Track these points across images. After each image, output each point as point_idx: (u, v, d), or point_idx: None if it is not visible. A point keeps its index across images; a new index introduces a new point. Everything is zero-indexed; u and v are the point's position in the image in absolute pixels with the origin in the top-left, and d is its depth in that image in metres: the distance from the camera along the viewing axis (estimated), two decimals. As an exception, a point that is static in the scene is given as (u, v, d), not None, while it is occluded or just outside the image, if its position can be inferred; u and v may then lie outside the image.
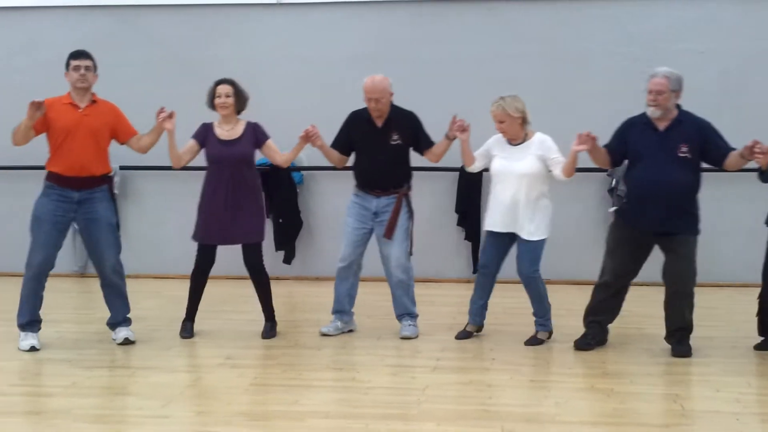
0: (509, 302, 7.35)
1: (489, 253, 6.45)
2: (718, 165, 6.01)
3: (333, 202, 8.72)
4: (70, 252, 8.97)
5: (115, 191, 9.04)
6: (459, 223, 8.84)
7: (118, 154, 8.61)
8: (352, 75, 8.68)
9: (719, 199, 8.24)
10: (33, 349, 6.22)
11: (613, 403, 5.12)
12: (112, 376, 5.76)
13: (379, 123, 6.54)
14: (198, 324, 6.83)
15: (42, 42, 9.13)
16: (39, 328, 6.38)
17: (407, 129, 6.55)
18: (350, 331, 6.80)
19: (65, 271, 8.99)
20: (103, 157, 6.35)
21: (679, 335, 6.08)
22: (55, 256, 6.28)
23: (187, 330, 6.66)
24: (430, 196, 8.61)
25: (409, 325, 6.62)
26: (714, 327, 6.68)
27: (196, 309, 6.73)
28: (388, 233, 6.46)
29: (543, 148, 6.22)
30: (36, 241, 6.21)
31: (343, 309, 6.73)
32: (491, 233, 6.41)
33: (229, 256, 8.87)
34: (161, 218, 9.18)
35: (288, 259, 8.86)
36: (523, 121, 6.21)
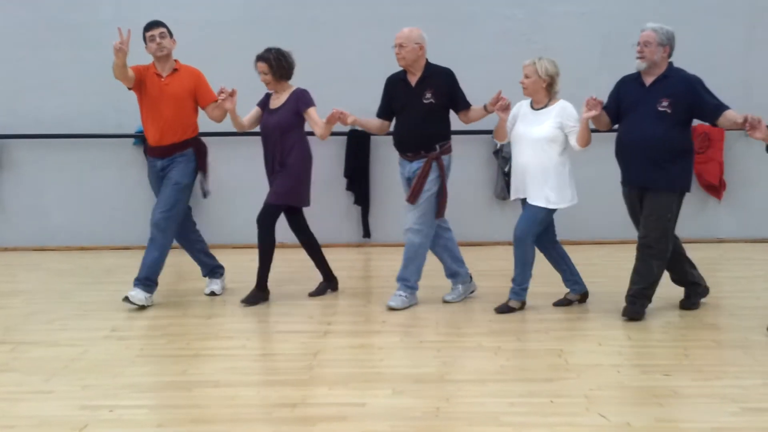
0: (392, 265, 7.39)
1: (518, 223, 6.20)
2: (710, 122, 5.98)
3: (229, 169, 8.56)
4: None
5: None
6: (348, 188, 8.82)
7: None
8: (233, 37, 8.58)
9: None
10: (213, 294, 6.79)
11: (499, 360, 5.22)
12: (-9, 353, 5.56)
13: (413, 81, 6.34)
14: (81, 297, 6.65)
15: None
16: (221, 274, 6.99)
17: (442, 87, 6.31)
18: (472, 292, 6.72)
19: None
20: (188, 123, 6.53)
21: (635, 290, 6.01)
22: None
23: (257, 297, 6.61)
24: (320, 161, 8.53)
25: (399, 295, 6.39)
26: (594, 283, 6.86)
27: (266, 276, 6.61)
28: (412, 198, 6.26)
29: (563, 115, 6.04)
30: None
31: (450, 273, 6.61)
32: (520, 202, 6.28)
33: (111, 225, 8.73)
34: (40, 188, 8.86)
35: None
36: (549, 86, 6.06)
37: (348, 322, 6.13)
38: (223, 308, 6.49)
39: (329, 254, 7.03)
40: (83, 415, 4.48)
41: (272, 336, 5.84)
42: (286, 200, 6.53)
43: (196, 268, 7.28)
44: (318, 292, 6.82)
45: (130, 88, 6.50)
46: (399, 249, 7.17)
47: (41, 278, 7.57)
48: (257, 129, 6.73)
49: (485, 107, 6.27)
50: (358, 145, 8.66)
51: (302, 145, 6.57)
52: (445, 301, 6.53)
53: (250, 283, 6.68)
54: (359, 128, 6.98)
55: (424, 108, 6.29)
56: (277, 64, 6.48)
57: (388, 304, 6.36)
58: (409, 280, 6.42)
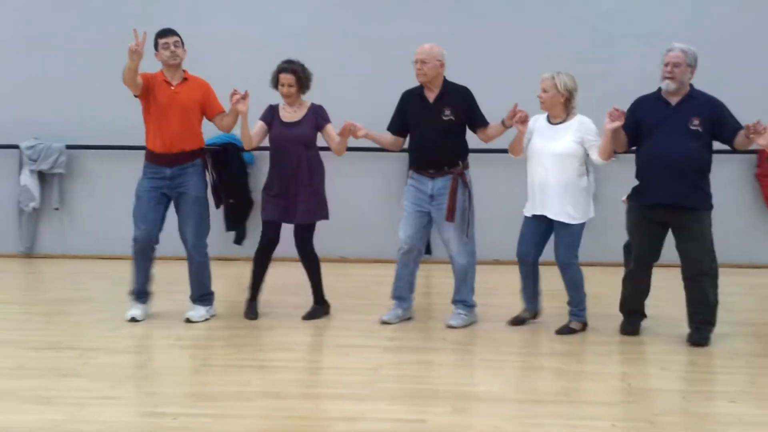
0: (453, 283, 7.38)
1: (524, 239, 6.25)
2: (729, 143, 5.92)
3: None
4: (15, 232, 8.82)
5: (59, 170, 8.92)
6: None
7: (65, 134, 8.52)
8: (298, 50, 8.66)
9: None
10: (133, 320, 6.43)
11: (561, 381, 5.19)
12: (59, 358, 5.67)
13: (431, 98, 6.36)
14: (148, 305, 6.77)
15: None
16: (147, 300, 6.62)
17: (460, 104, 6.33)
18: (409, 319, 6.59)
19: (10, 252, 8.84)
20: (195, 133, 6.51)
21: (699, 319, 5.92)
22: (155, 230, 6.49)
23: (252, 310, 6.64)
24: (380, 175, 8.59)
25: (459, 314, 6.38)
26: (658, 306, 6.78)
27: (260, 288, 6.70)
28: (449, 215, 6.21)
29: (582, 130, 6.05)
30: (136, 218, 6.49)
31: (402, 295, 6.56)
32: (527, 218, 6.23)
33: (177, 236, 8.86)
34: (108, 198, 9.04)
35: (239, 240, 8.81)
36: (567, 100, 6.07)
37: (408, 338, 6.14)
38: (286, 321, 6.53)
39: (389, 269, 7.04)
40: (148, 422, 4.57)
41: (333, 350, 5.87)
42: (318, 217, 6.56)
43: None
44: (311, 316, 6.62)
45: (136, 96, 6.44)
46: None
47: (108, 286, 7.72)
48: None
49: (503, 122, 6.22)
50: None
51: (321, 160, 6.61)
52: (383, 322, 6.44)
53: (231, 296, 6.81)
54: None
55: (444, 124, 6.29)
56: (304, 76, 6.50)
57: (448, 323, 6.35)
58: (465, 300, 6.43)
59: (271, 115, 6.59)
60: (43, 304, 7.01)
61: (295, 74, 6.43)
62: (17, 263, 8.74)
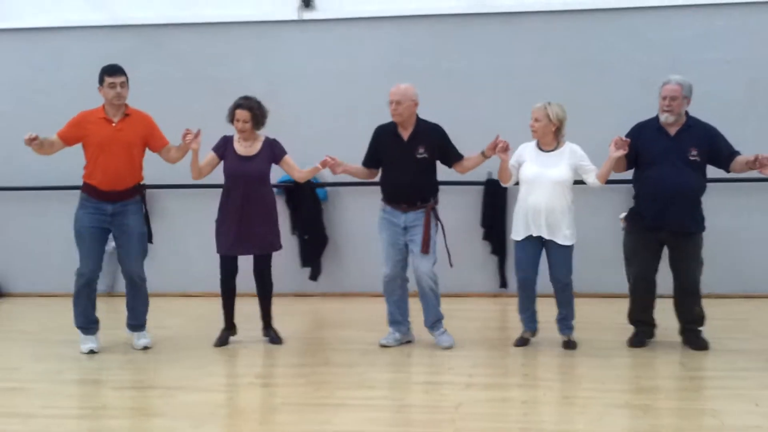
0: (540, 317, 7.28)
1: (524, 264, 6.48)
2: (725, 168, 6.34)
3: (358, 217, 8.69)
4: (96, 271, 8.97)
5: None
6: (485, 238, 8.76)
7: (144, 174, 8.62)
8: (374, 89, 8.70)
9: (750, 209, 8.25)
10: (92, 352, 6.63)
11: (649, 419, 5.05)
12: (141, 397, 5.74)
13: (405, 136, 6.54)
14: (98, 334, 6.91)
15: (66, 62, 9.14)
16: (97, 330, 6.81)
17: (434, 142, 6.54)
18: (408, 342, 6.80)
19: (91, 291, 8.98)
20: (136, 169, 6.62)
21: (691, 329, 6.42)
22: (100, 263, 6.64)
23: (223, 339, 6.86)
24: (455, 210, 8.54)
25: (443, 333, 6.65)
26: (746, 339, 6.59)
27: (232, 317, 6.91)
28: (425, 248, 6.46)
29: (576, 157, 6.37)
30: (81, 253, 6.56)
31: (396, 320, 6.76)
32: (521, 243, 6.45)
33: (248, 273, 8.90)
34: (185, 237, 9.16)
35: (314, 276, 8.82)
36: (558, 129, 6.36)
37: (488, 374, 6.05)
38: (364, 357, 6.49)
39: (465, 304, 7.00)
40: (232, 462, 4.57)
41: (413, 387, 5.82)
42: (276, 248, 6.79)
43: (336, 316, 7.41)
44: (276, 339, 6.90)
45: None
46: (537, 300, 7.07)
47: (186, 323, 7.79)
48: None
49: (483, 153, 6.48)
50: (494, 195, 8.60)
51: (273, 193, 6.83)
52: (382, 345, 6.69)
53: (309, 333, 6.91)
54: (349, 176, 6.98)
55: (417, 162, 6.49)
56: (260, 113, 6.64)
57: (444, 345, 6.59)
58: (440, 318, 6.68)
59: (224, 147, 6.71)
60: (124, 343, 7.08)
61: (251, 110, 6.60)
62: (99, 302, 8.84)
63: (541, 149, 6.43)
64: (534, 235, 6.37)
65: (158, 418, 5.31)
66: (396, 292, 6.69)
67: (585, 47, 8.67)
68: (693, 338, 6.42)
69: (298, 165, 6.86)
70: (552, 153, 6.38)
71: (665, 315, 6.66)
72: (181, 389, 5.86)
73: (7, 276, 9.30)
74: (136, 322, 6.85)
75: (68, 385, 5.99)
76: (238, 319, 7.03)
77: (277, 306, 8.24)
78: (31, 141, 6.19)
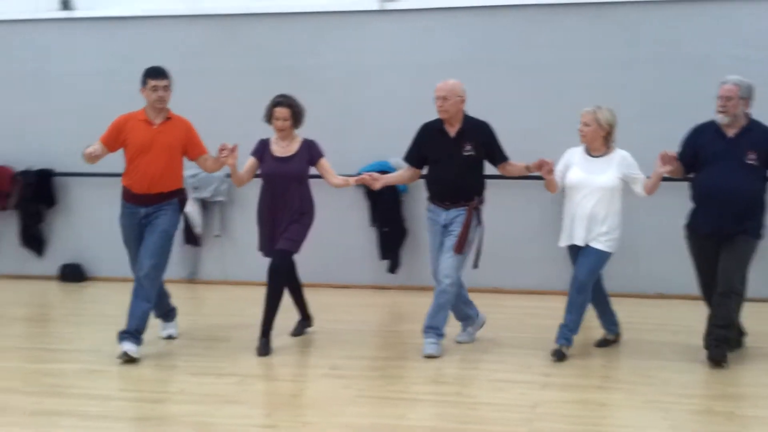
0: (622, 316, 7.10)
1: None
2: None
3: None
4: (178, 259, 9.10)
5: (220, 197, 9.14)
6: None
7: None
8: (457, 78, 8.61)
9: None
10: (170, 337, 6.74)
11: (733, 427, 4.87)
12: (219, 384, 5.77)
13: (452, 133, 6.38)
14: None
15: (142, 51, 9.20)
16: (175, 316, 6.89)
17: (480, 140, 6.37)
18: (483, 325, 6.76)
19: (174, 278, 9.11)
20: (176, 173, 6.42)
21: (717, 335, 5.95)
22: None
23: (298, 330, 6.83)
24: (534, 204, 8.39)
25: (432, 343, 6.30)
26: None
27: (304, 308, 6.89)
28: (459, 248, 6.26)
29: (625, 165, 6.17)
30: (131, 257, 6.46)
31: (463, 316, 6.67)
32: (572, 248, 6.26)
33: (332, 264, 8.90)
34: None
35: (393, 269, 8.78)
36: (608, 134, 6.17)
37: (567, 374, 5.91)
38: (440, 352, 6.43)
39: (541, 302, 6.86)
40: (303, 452, 4.56)
41: (488, 384, 5.72)
42: (297, 247, 6.54)
43: (414, 310, 7.33)
44: (299, 332, 6.86)
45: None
46: (629, 299, 6.96)
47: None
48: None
49: (527, 167, 6.31)
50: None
51: (311, 195, 6.65)
52: (459, 342, 6.57)
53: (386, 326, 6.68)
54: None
55: (464, 160, 6.33)
56: (299, 111, 6.50)
57: (426, 353, 6.24)
58: (440, 327, 6.34)
59: (262, 150, 6.58)
60: (205, 329, 7.17)
61: (290, 108, 6.46)
62: (180, 289, 8.96)
63: (589, 155, 6.21)
64: (576, 244, 6.18)
65: (233, 405, 5.34)
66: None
67: (679, 40, 8.37)
68: (713, 347, 5.96)
69: (376, 157, 6.80)
70: (600, 159, 6.16)
71: (757, 320, 6.42)
72: (257, 377, 5.91)
73: (92, 260, 9.48)
74: (127, 327, 6.23)
75: (146, 369, 6.06)
76: (316, 309, 7.04)
77: (355, 298, 8.32)
78: (91, 157, 6.14)
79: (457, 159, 6.33)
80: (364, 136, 8.79)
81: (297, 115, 6.50)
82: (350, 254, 8.91)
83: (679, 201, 6.45)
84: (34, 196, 9.30)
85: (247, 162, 6.60)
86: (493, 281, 8.40)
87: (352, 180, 6.56)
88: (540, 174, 6.24)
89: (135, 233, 6.34)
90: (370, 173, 6.49)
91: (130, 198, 6.33)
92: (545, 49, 8.58)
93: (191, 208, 9.11)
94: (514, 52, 8.62)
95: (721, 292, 5.95)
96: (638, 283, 8.14)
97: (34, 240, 9.43)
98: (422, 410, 5.20)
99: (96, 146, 6.23)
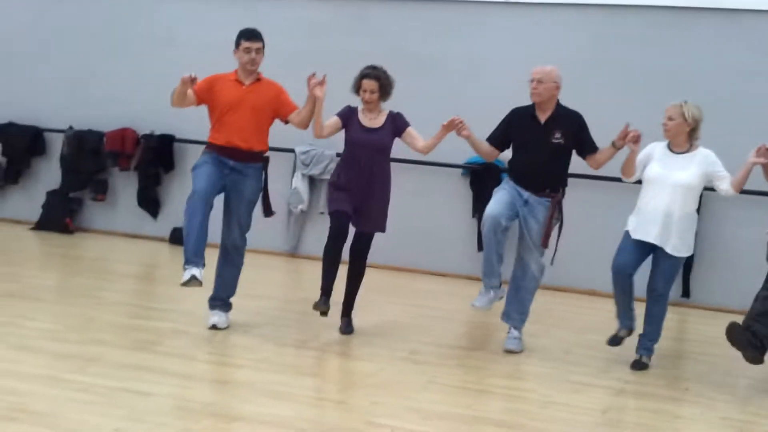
0: (714, 330, 6.91)
1: (627, 257, 6.01)
2: None
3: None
4: (283, 231, 9.34)
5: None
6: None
7: (337, 143, 8.87)
8: (574, 77, 8.44)
9: None
10: (193, 278, 6.00)
11: (809, 454, 4.70)
12: (300, 356, 5.95)
13: (543, 119, 6.26)
14: (388, 315, 6.94)
15: (269, 28, 9.28)
16: (203, 265, 6.10)
17: (571, 129, 6.22)
18: (501, 298, 6.46)
19: (277, 249, 9.37)
20: (262, 134, 6.40)
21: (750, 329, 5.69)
22: (213, 193, 6.19)
23: (324, 303, 6.43)
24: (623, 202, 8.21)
25: (515, 338, 6.30)
26: None
27: (332, 285, 6.48)
28: (545, 241, 6.18)
29: (708, 163, 5.95)
30: (195, 179, 6.22)
31: (491, 271, 6.33)
32: (634, 240, 6.01)
33: (430, 252, 8.95)
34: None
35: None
36: (693, 131, 5.95)
37: (647, 383, 5.81)
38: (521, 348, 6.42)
39: (640, 308, 6.70)
40: (366, 430, 4.65)
41: (563, 384, 5.67)
42: (381, 228, 6.48)
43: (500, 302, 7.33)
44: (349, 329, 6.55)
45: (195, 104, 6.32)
46: (720, 314, 6.75)
47: (360, 291, 7.94)
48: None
49: (613, 143, 6.09)
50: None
51: (390, 171, 6.53)
52: (474, 306, 6.37)
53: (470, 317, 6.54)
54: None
55: (552, 147, 6.20)
56: (387, 83, 6.39)
57: (507, 348, 6.24)
58: (525, 315, 6.32)
59: (349, 116, 6.48)
60: (298, 302, 7.34)
61: (378, 80, 6.36)
62: (282, 261, 9.26)
63: (671, 150, 6.00)
64: (644, 240, 5.94)
65: (309, 377, 5.52)
66: (497, 237, 6.19)
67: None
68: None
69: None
70: (682, 155, 5.96)
71: None
72: (337, 354, 6.06)
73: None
74: (217, 294, 6.39)
75: (234, 335, 6.26)
76: (409, 295, 7.09)
77: (449, 286, 8.38)
78: (191, 80, 6.06)
79: (544, 146, 6.20)
80: (476, 126, 8.74)
81: (385, 88, 6.44)
82: (449, 243, 8.95)
83: None
84: (154, 159, 9.72)
85: (330, 119, 6.49)
86: (588, 283, 8.30)
87: (439, 133, 6.35)
88: (627, 145, 6.01)
89: (213, 170, 6.19)
90: (460, 119, 6.29)
91: (217, 150, 6.28)
92: (667, 54, 8.35)
93: (299, 184, 9.34)
94: (636, 54, 8.42)
95: None
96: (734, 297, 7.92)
97: (150, 202, 9.85)
98: (492, 403, 5.23)
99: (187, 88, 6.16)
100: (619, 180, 6.37)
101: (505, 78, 8.76)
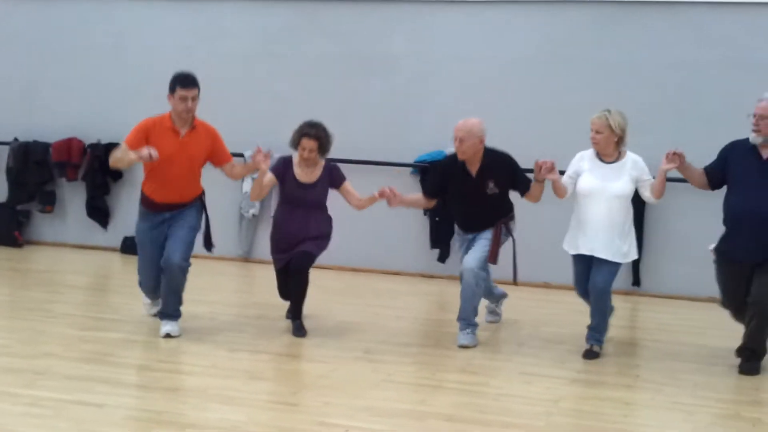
0: (664, 317, 7.01)
1: (582, 282, 6.17)
2: None
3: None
4: (235, 236, 9.29)
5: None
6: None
7: (285, 146, 8.87)
8: (524, 76, 8.56)
9: None
10: (168, 336, 6.26)
11: (757, 433, 4.78)
12: (253, 361, 5.92)
13: (473, 171, 6.27)
14: (344, 315, 6.95)
15: (222, 33, 9.40)
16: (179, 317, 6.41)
17: (503, 175, 6.27)
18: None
19: (230, 255, 9.31)
20: (197, 181, 6.38)
21: (748, 354, 5.84)
22: (160, 256, 6.28)
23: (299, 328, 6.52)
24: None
25: (468, 333, 6.32)
26: None
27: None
28: (492, 259, 6.27)
29: (637, 169, 6.00)
30: (141, 263, 6.44)
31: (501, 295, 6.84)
32: (579, 257, 6.12)
33: (383, 251, 8.97)
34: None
35: (442, 258, 8.80)
36: (620, 139, 5.97)
37: (598, 372, 5.87)
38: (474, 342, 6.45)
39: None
40: (318, 430, 4.65)
41: (516, 376, 5.71)
42: (316, 253, 6.53)
43: (458, 299, 7.36)
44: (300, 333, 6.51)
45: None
46: (670, 301, 6.82)
47: (315, 294, 7.87)
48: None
49: (536, 179, 6.16)
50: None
51: (329, 216, 6.62)
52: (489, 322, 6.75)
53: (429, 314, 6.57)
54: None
55: (487, 197, 6.29)
56: (326, 141, 6.39)
57: (461, 343, 6.26)
58: (472, 318, 6.35)
59: (283, 171, 6.46)
60: (252, 307, 7.32)
61: (318, 140, 6.32)
62: (235, 266, 9.20)
63: (601, 160, 6.02)
64: (584, 253, 6.04)
65: (260, 381, 5.49)
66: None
67: (754, 44, 8.14)
68: (744, 361, 5.86)
69: (434, 147, 6.74)
70: (613, 165, 5.98)
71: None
72: (290, 357, 6.04)
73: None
74: (164, 310, 6.37)
75: (186, 342, 6.21)
76: (363, 294, 7.09)
77: (403, 284, 8.39)
78: (150, 157, 5.94)
79: (480, 197, 6.27)
80: (425, 125, 8.81)
81: (324, 146, 6.39)
82: (402, 242, 8.96)
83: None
84: (102, 168, 9.59)
85: (265, 177, 6.37)
86: (542, 276, 8.37)
87: (376, 194, 6.41)
88: (547, 178, 6.07)
89: (155, 237, 6.29)
90: (391, 189, 6.38)
91: (152, 206, 6.29)
92: (615, 49, 8.38)
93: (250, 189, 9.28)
94: (583, 50, 8.45)
95: (759, 314, 5.70)
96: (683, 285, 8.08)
97: (99, 212, 9.72)
98: (444, 398, 5.24)
99: (123, 148, 6.06)
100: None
101: (450, 77, 8.81)
